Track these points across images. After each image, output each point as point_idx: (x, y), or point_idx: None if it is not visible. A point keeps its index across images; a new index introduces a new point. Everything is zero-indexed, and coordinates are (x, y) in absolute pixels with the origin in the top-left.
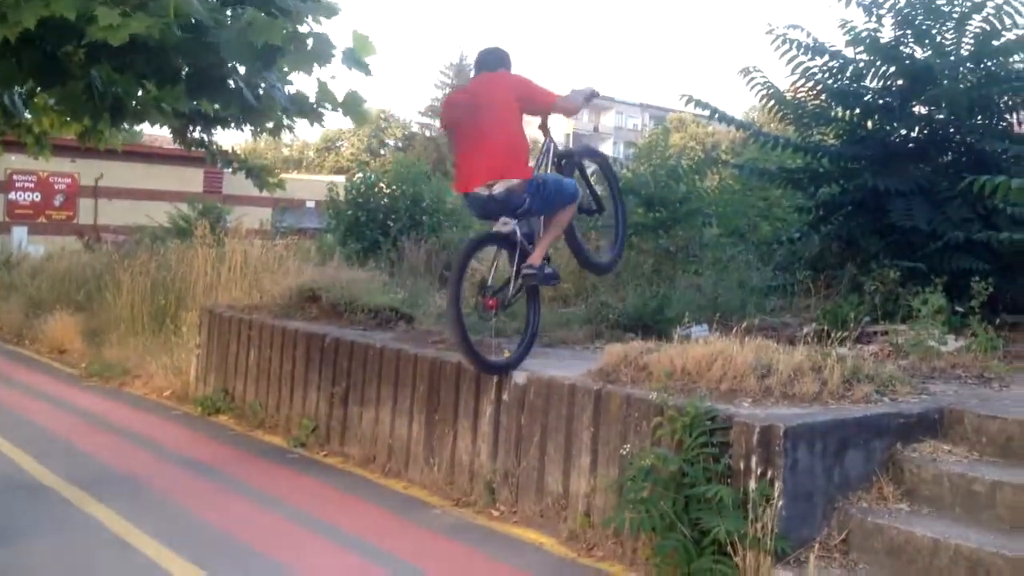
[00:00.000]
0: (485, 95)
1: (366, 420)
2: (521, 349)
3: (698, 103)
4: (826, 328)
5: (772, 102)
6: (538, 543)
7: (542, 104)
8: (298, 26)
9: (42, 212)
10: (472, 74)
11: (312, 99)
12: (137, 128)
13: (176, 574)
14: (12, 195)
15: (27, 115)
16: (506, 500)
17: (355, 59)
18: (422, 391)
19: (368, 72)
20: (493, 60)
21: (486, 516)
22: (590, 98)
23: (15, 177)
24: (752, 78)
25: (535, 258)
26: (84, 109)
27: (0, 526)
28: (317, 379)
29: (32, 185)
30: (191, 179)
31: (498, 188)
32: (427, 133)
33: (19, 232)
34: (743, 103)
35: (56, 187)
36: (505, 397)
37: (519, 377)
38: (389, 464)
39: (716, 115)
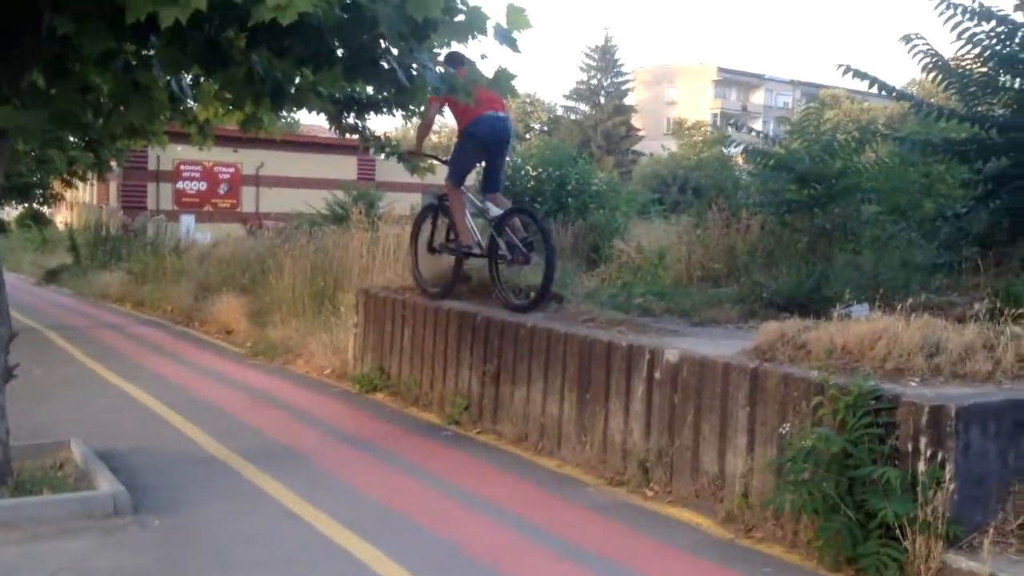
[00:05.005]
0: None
1: (517, 398)
2: None
3: (856, 73)
4: (998, 306)
5: (935, 71)
6: (695, 523)
7: None
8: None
9: (208, 200)
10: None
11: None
12: (295, 117)
13: (348, 547)
14: (180, 184)
15: (191, 103)
16: (660, 480)
17: (505, 35)
18: (573, 370)
19: (516, 49)
20: None
21: (640, 496)
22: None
23: (182, 167)
24: (915, 45)
25: None
26: (246, 94)
27: (177, 495)
28: (469, 358)
29: (198, 175)
30: (345, 167)
31: (506, 114)
32: (572, 116)
33: (187, 220)
34: (899, 79)
35: (220, 176)
36: (657, 375)
37: (671, 355)
38: (541, 442)
39: (875, 84)
